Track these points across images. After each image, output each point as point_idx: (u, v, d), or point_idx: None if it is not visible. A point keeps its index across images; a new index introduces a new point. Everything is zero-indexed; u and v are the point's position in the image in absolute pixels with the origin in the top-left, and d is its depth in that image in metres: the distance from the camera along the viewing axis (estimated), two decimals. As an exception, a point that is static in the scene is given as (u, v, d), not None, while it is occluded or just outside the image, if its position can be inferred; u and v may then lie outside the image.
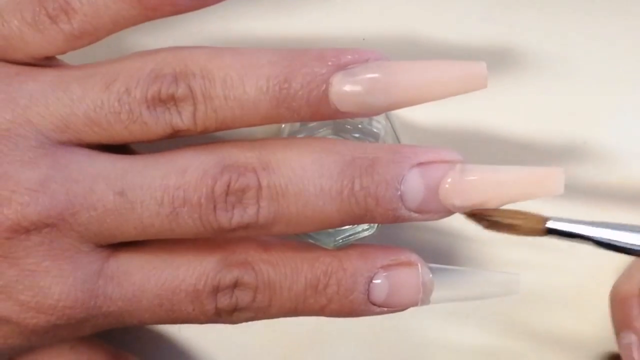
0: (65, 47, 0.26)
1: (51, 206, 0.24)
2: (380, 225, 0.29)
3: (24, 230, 0.24)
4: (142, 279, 0.26)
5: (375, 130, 0.29)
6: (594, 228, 0.25)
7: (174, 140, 0.26)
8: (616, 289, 0.29)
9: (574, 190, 0.30)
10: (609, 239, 0.25)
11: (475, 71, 0.25)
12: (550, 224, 0.25)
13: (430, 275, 0.26)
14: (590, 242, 0.25)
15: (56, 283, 0.25)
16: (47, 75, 0.26)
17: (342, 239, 0.29)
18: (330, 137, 0.29)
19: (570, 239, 0.26)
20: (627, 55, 0.30)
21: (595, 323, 0.31)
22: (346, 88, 0.25)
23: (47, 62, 0.26)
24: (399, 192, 0.25)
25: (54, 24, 0.25)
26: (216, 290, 0.26)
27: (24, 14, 0.25)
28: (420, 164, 0.25)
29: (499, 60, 0.30)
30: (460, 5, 0.30)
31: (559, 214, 0.29)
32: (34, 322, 0.25)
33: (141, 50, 0.26)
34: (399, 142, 0.30)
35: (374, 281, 0.26)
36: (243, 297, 0.26)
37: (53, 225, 0.25)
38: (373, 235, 0.30)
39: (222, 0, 0.26)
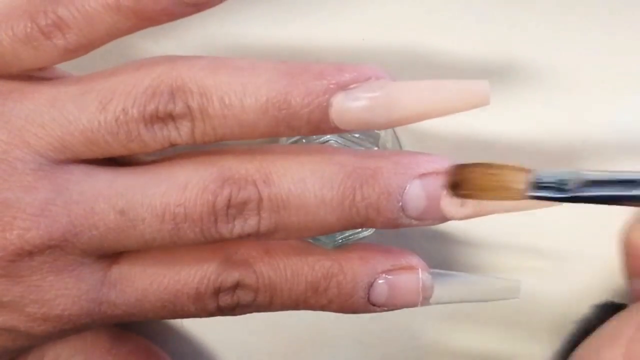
0: (60, 60, 0.25)
1: (53, 229, 0.24)
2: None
3: (27, 253, 0.25)
4: (145, 284, 0.26)
5: (375, 132, 0.29)
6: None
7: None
8: (628, 234, 0.29)
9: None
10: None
11: (477, 90, 0.24)
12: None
13: (431, 280, 0.27)
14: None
15: (61, 295, 0.25)
16: (42, 93, 0.25)
17: (342, 239, 0.29)
18: (330, 139, 0.29)
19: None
20: (628, 57, 0.29)
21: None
22: (347, 109, 0.24)
23: (42, 73, 0.26)
24: (400, 204, 0.25)
25: (48, 39, 0.24)
26: (218, 291, 0.26)
27: (15, 31, 0.24)
28: (422, 175, 0.25)
29: (499, 61, 0.29)
30: (460, 8, 0.29)
31: (558, 216, 0.29)
32: (41, 329, 0.26)
33: (139, 53, 0.26)
34: (399, 143, 0.30)
35: (374, 285, 0.26)
36: (244, 296, 0.26)
37: (55, 247, 0.25)
38: (373, 236, 0.30)
39: (216, 4, 0.25)
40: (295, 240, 0.27)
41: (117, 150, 0.25)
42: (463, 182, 0.25)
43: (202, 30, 0.29)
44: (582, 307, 0.30)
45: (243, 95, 0.24)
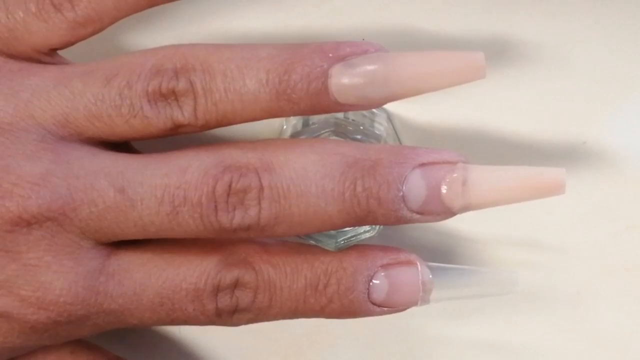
0: (69, 36, 0.26)
1: (52, 200, 0.25)
2: (381, 226, 0.29)
3: (26, 223, 0.25)
4: (143, 276, 0.26)
5: (377, 132, 0.29)
6: None
7: (177, 143, 0.27)
8: None
9: (574, 190, 0.30)
10: None
11: (473, 61, 0.25)
12: None
13: (430, 275, 0.26)
14: None
15: (57, 278, 0.25)
16: (49, 71, 0.26)
17: (343, 240, 0.29)
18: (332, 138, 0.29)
19: None
20: (629, 55, 0.30)
21: (596, 321, 0.31)
22: (345, 79, 0.25)
23: (50, 59, 0.27)
24: (401, 193, 0.25)
25: (58, 12, 0.26)
26: (217, 289, 0.26)
27: (28, 5, 0.26)
28: (422, 165, 0.25)
29: (499, 61, 0.30)
30: (460, 2, 0.30)
31: (558, 213, 0.29)
32: (34, 318, 0.25)
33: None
34: (401, 144, 0.30)
35: (373, 280, 0.26)
36: (243, 297, 0.26)
37: (54, 220, 0.25)
38: (374, 237, 0.30)
39: None
40: (294, 242, 0.27)
41: (120, 127, 0.25)
42: None
43: (202, 29, 0.30)
44: (582, 302, 0.30)
45: (244, 68, 0.25)
